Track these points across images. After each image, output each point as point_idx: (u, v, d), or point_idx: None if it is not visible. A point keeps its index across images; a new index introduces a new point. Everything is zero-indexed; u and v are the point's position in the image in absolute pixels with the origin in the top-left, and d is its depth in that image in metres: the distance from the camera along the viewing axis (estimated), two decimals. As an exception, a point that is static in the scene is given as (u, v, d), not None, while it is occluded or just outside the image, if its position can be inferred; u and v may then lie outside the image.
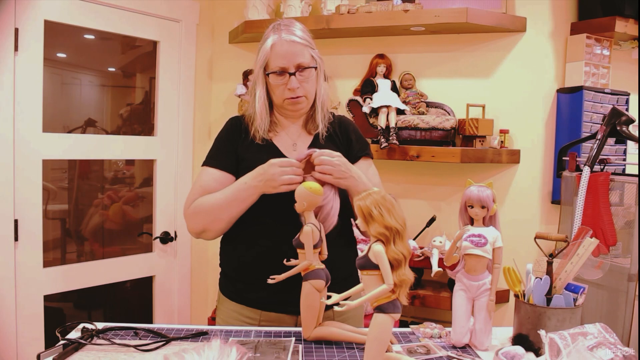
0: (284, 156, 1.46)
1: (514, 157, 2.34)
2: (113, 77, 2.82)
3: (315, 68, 1.48)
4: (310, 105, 1.52)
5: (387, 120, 2.29)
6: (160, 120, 2.62)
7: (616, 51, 2.43)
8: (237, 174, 1.47)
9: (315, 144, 1.51)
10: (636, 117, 1.90)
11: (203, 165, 1.53)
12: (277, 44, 1.43)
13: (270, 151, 1.49)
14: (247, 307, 1.48)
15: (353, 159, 1.51)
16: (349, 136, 1.57)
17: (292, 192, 1.31)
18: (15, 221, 2.12)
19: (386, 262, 1.02)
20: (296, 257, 1.31)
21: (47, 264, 2.23)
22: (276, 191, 1.35)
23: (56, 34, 2.25)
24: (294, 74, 1.43)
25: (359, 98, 2.41)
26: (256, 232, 1.46)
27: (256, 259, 1.45)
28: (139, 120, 2.77)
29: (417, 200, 2.50)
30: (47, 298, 2.24)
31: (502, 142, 2.31)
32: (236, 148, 1.51)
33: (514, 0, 2.35)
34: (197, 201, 1.47)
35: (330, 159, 1.37)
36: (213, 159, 1.52)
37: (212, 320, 2.70)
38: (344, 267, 1.46)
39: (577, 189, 1.88)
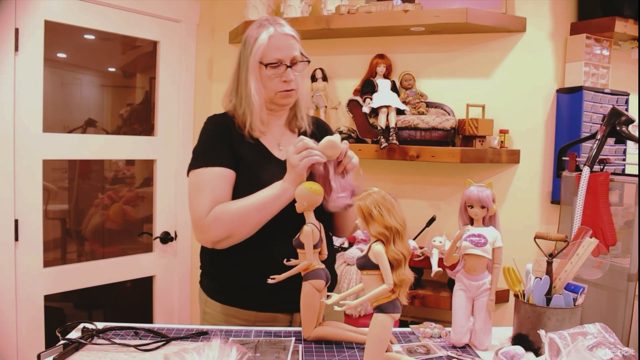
0: (273, 156, 1.49)
1: (514, 157, 2.34)
2: (113, 77, 2.82)
3: (309, 62, 1.51)
4: (295, 100, 1.54)
5: (387, 120, 2.29)
6: (160, 120, 2.62)
7: (616, 51, 2.42)
8: (238, 172, 1.45)
9: None
10: (636, 117, 1.90)
11: (197, 167, 1.44)
12: (274, 36, 1.44)
13: (261, 150, 1.49)
14: (240, 309, 1.46)
15: None
16: None
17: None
18: (16, 221, 2.12)
19: (386, 262, 1.02)
20: (296, 257, 1.31)
21: (47, 264, 2.23)
22: (301, 171, 1.31)
23: (56, 34, 2.24)
24: (290, 66, 1.46)
25: (358, 98, 2.41)
26: (254, 234, 1.43)
27: (255, 260, 1.43)
28: (139, 120, 2.77)
29: (417, 200, 2.50)
30: (47, 298, 2.24)
31: (502, 142, 2.31)
32: (231, 145, 1.47)
33: (514, 0, 2.35)
34: (220, 207, 1.39)
35: (353, 158, 1.38)
36: (212, 159, 1.44)
37: (212, 320, 2.70)
38: None
39: (576, 189, 1.88)
